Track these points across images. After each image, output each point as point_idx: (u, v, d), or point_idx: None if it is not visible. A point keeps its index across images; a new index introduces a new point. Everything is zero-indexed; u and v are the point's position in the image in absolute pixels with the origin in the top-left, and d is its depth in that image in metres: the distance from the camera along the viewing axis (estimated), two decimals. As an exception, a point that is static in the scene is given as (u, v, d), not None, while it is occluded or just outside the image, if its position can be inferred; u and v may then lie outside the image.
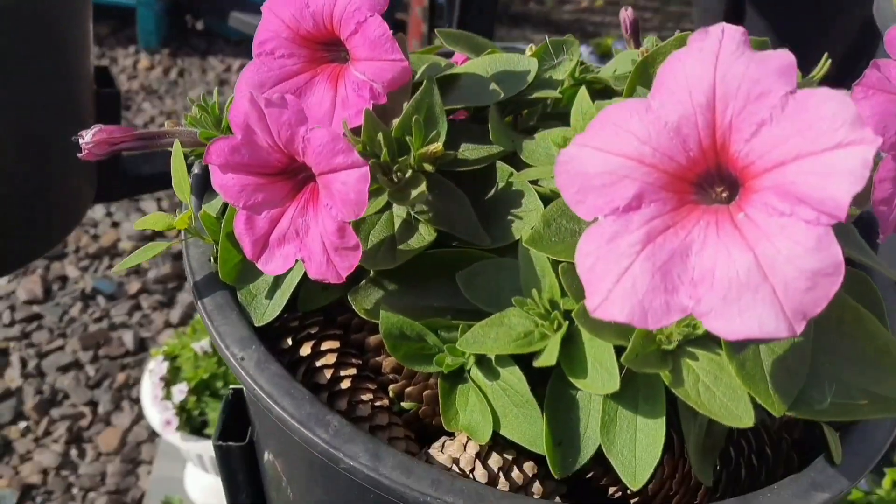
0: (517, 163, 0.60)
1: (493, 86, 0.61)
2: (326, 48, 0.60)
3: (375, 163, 0.54)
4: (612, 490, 0.56)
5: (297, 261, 0.52)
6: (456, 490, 0.48)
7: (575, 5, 3.59)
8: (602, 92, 0.64)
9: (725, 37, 0.40)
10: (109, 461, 1.70)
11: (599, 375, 0.49)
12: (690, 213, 0.41)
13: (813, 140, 0.36)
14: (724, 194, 0.42)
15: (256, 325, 0.56)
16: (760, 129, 0.38)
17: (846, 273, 0.49)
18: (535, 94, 0.62)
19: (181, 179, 0.56)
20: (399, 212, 0.59)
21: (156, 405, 1.47)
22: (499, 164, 0.59)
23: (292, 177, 0.51)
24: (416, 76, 0.65)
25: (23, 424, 1.74)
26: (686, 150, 0.41)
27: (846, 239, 0.48)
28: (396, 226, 0.58)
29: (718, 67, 0.39)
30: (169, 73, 2.80)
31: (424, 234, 0.57)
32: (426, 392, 0.58)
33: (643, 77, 0.55)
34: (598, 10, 3.58)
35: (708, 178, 0.42)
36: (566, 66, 0.66)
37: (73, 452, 1.71)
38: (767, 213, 0.38)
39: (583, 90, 0.56)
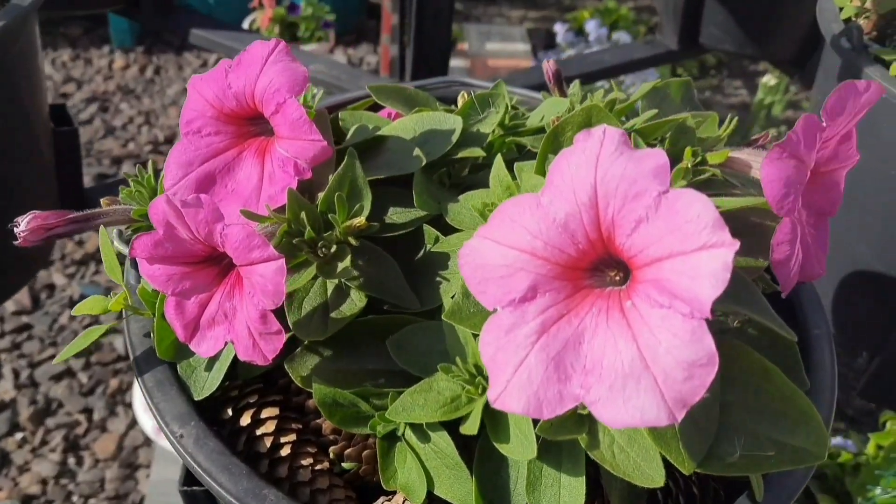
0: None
1: (416, 151, 0.62)
2: (253, 122, 0.62)
3: (300, 240, 0.56)
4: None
5: (226, 342, 0.54)
6: (388, 558, 0.51)
7: None
8: (525, 150, 0.66)
9: (606, 138, 0.42)
10: (107, 467, 1.72)
11: (519, 442, 0.51)
12: (585, 299, 0.44)
13: (682, 240, 0.38)
14: (617, 277, 0.44)
15: (196, 398, 0.59)
16: (639, 225, 0.40)
17: (758, 330, 0.51)
18: (460, 154, 0.64)
19: (111, 264, 0.58)
20: (333, 280, 0.61)
21: (147, 411, 1.48)
22: (425, 227, 0.61)
23: (217, 262, 0.53)
24: (348, 137, 0.68)
25: (19, 436, 1.76)
26: (575, 244, 0.43)
27: (749, 300, 0.51)
28: (329, 292, 0.60)
29: (599, 168, 0.41)
30: (145, 72, 2.78)
31: (356, 301, 0.59)
32: (365, 452, 0.60)
33: (554, 145, 0.56)
34: None
35: (602, 263, 0.44)
36: (493, 118, 0.68)
37: (71, 460, 1.73)
38: (650, 304, 0.40)
39: (498, 159, 0.58)
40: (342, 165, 0.58)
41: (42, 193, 1.20)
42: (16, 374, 1.89)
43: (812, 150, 0.50)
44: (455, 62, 2.87)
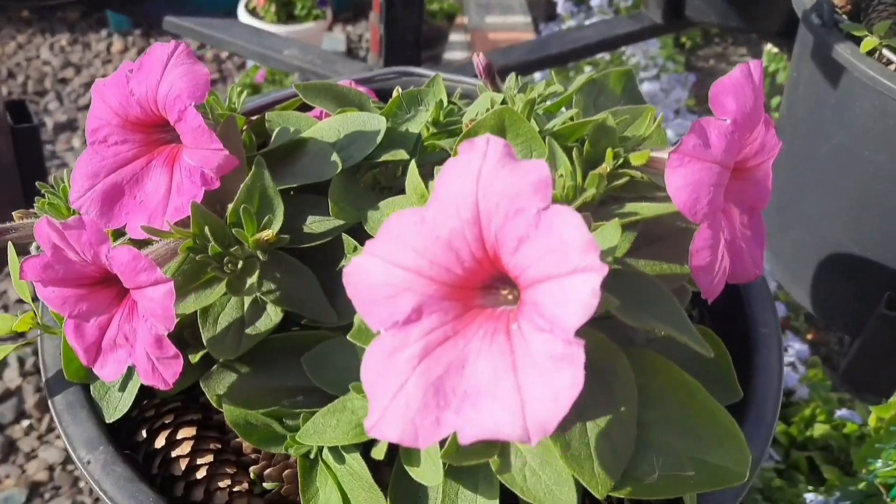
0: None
1: (334, 156, 0.60)
2: (163, 129, 0.59)
3: (204, 256, 0.54)
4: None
5: (128, 366, 0.52)
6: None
7: None
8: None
9: (489, 149, 0.39)
10: (113, 451, 1.72)
11: (429, 466, 0.49)
12: (474, 320, 0.41)
13: (556, 263, 0.36)
14: (510, 296, 0.42)
15: (108, 420, 0.57)
16: (521, 244, 0.38)
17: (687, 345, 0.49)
18: (383, 157, 0.61)
19: (20, 282, 0.56)
20: (251, 293, 0.58)
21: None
22: (344, 237, 0.58)
23: (114, 283, 0.51)
24: (271, 141, 0.65)
25: (25, 423, 1.75)
26: (461, 262, 0.40)
27: (665, 313, 0.48)
28: (246, 307, 0.58)
29: (480, 183, 0.38)
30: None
31: (272, 316, 0.57)
32: (287, 472, 0.58)
33: (467, 148, 0.53)
34: None
35: (496, 280, 0.42)
36: (421, 117, 0.65)
37: (78, 446, 1.73)
38: (533, 327, 0.38)
39: (412, 165, 0.55)
40: (250, 175, 0.56)
41: (2, 194, 1.18)
42: (21, 362, 1.88)
43: (726, 151, 0.47)
44: (455, 37, 2.83)
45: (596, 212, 0.51)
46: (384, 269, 0.42)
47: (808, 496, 1.27)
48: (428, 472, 0.49)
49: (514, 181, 0.38)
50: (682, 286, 0.54)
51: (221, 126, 0.58)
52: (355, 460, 0.53)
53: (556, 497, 0.47)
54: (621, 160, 0.52)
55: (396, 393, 0.40)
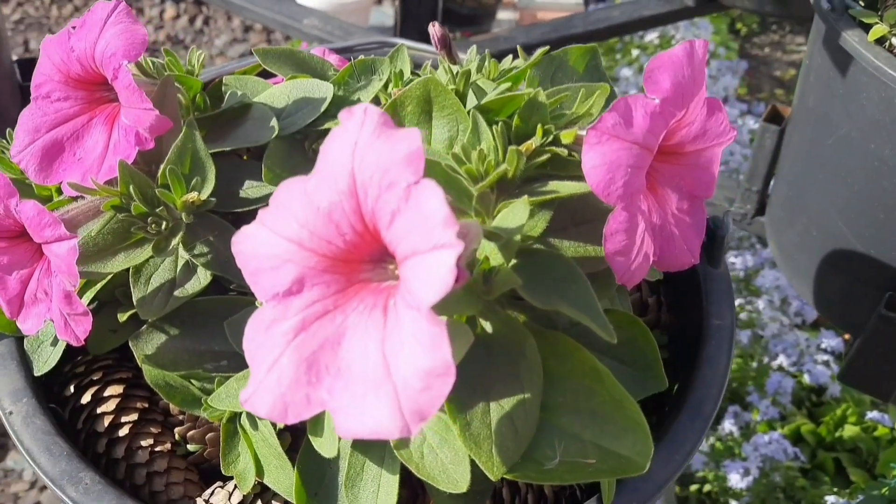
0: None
1: (273, 122, 0.59)
2: (105, 88, 0.59)
3: (128, 216, 0.54)
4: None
5: (46, 321, 0.52)
6: (194, 549, 0.49)
7: None
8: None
9: (366, 119, 0.38)
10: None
11: (328, 437, 0.49)
12: (357, 294, 0.40)
13: (421, 238, 0.35)
14: (396, 271, 0.41)
15: (36, 374, 0.57)
16: (394, 218, 0.37)
17: (614, 324, 0.47)
18: (326, 125, 0.61)
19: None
20: (183, 255, 0.58)
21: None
22: (276, 203, 0.58)
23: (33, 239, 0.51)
24: (224, 104, 0.65)
25: None
26: (342, 234, 0.39)
27: (575, 296, 0.46)
28: (178, 269, 0.58)
29: (356, 154, 0.37)
30: (195, 22, 2.76)
31: (201, 279, 0.57)
32: (209, 435, 0.58)
33: (396, 120, 0.53)
34: None
35: (383, 255, 0.41)
36: (374, 86, 0.64)
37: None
38: (406, 303, 0.37)
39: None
40: (180, 136, 0.56)
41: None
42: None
43: (650, 131, 0.45)
44: (503, 15, 2.79)
45: (520, 189, 0.50)
46: (270, 239, 0.41)
47: (830, 498, 1.25)
48: (326, 444, 0.49)
49: (387, 153, 0.37)
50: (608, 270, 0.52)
51: (158, 87, 0.57)
52: (266, 427, 0.53)
53: (451, 476, 0.46)
54: (551, 137, 0.51)
55: (271, 367, 0.39)
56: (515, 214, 0.45)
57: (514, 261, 0.48)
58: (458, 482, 0.46)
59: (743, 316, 1.67)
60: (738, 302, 1.64)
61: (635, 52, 2.50)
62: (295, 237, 0.40)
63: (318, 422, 0.50)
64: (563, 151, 0.50)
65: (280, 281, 0.40)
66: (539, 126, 0.51)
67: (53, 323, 0.52)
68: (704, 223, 0.55)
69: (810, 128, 0.96)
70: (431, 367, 0.35)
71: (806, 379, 1.50)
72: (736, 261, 1.77)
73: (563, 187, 0.48)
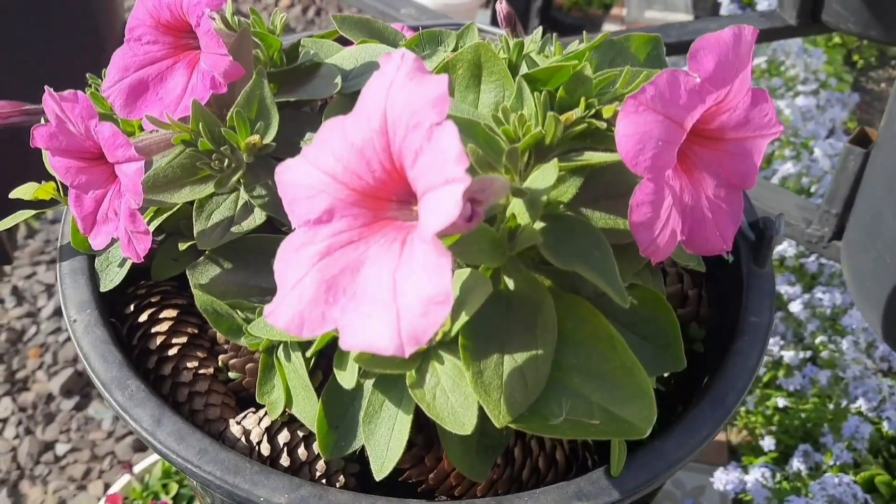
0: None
1: (337, 79, 0.63)
2: (190, 35, 0.64)
3: (195, 150, 0.58)
4: (406, 474, 0.59)
5: (113, 238, 0.57)
6: (218, 460, 0.53)
7: None
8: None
9: (403, 62, 0.40)
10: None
11: (349, 371, 0.52)
12: (381, 229, 0.43)
13: (435, 174, 0.37)
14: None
15: (102, 290, 0.63)
16: (417, 157, 0.39)
17: (638, 300, 0.49)
18: (388, 87, 0.64)
19: (48, 157, 0.62)
20: (243, 195, 0.63)
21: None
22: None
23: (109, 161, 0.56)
24: (298, 62, 0.69)
25: None
26: (371, 171, 0.42)
27: (595, 260, 0.48)
28: (238, 208, 0.62)
29: (389, 94, 0.40)
30: (307, 12, 2.88)
31: (256, 218, 0.61)
32: (249, 365, 0.62)
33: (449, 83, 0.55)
34: None
35: (410, 196, 0.43)
36: (439, 56, 0.67)
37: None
38: (420, 237, 0.39)
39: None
40: (250, 83, 0.60)
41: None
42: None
43: (684, 108, 0.47)
44: (609, 27, 2.79)
45: (556, 157, 0.52)
46: (308, 171, 0.44)
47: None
48: (347, 376, 0.52)
49: (416, 94, 0.39)
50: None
51: (235, 38, 0.62)
52: (297, 360, 0.56)
53: (459, 419, 0.49)
54: (593, 111, 0.53)
55: (295, 285, 0.43)
56: (545, 176, 0.47)
57: (541, 224, 0.50)
58: (465, 425, 0.48)
59: (824, 355, 1.62)
60: (821, 339, 1.60)
61: None
62: (330, 170, 0.43)
63: (342, 356, 0.54)
64: (602, 125, 0.52)
65: (313, 209, 0.44)
66: (583, 99, 0.52)
67: (119, 240, 0.57)
68: (741, 213, 0.55)
69: (893, 153, 0.94)
70: (432, 295, 0.38)
71: (885, 427, 1.45)
72: (824, 297, 1.73)
73: (596, 157, 0.50)
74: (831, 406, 1.51)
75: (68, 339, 1.88)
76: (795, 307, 1.66)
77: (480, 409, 0.49)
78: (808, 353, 1.62)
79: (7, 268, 2.10)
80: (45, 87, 0.53)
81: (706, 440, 0.57)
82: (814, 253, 1.84)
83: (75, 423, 1.74)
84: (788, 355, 1.59)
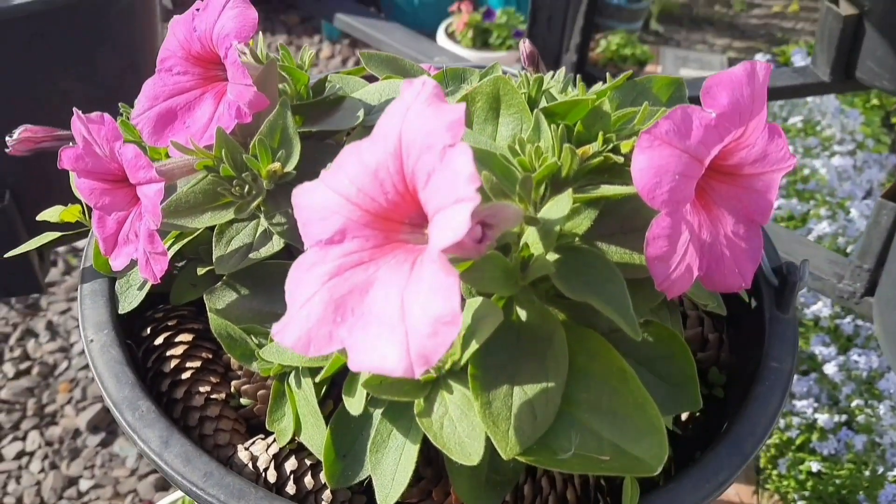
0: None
1: (360, 112, 0.64)
2: (219, 67, 0.66)
3: (216, 176, 0.59)
4: (412, 509, 0.58)
5: (132, 260, 0.58)
6: (223, 484, 0.53)
7: (765, 9, 3.40)
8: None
9: (423, 89, 0.41)
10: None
11: (357, 397, 0.51)
12: (392, 252, 0.43)
13: (447, 193, 0.37)
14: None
15: (120, 311, 0.63)
16: (430, 178, 0.40)
17: (654, 337, 0.49)
18: (410, 121, 0.64)
19: (73, 177, 0.64)
20: (263, 223, 0.63)
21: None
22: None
23: (133, 185, 0.57)
24: (323, 95, 0.70)
25: None
26: (384, 193, 0.43)
27: (608, 292, 0.48)
28: (257, 235, 0.63)
29: (406, 118, 0.41)
30: (347, 63, 2.96)
31: (274, 245, 0.62)
32: (261, 392, 0.62)
33: (467, 115, 0.56)
34: (789, 16, 3.37)
35: (420, 219, 0.44)
36: (461, 92, 0.68)
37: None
38: (429, 258, 0.39)
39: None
40: (273, 112, 0.61)
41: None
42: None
43: (702, 142, 0.47)
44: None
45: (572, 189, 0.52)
46: (323, 193, 0.45)
47: None
48: (355, 403, 0.51)
49: (432, 118, 0.40)
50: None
51: (261, 70, 0.63)
52: (308, 386, 0.56)
53: (465, 449, 0.48)
54: (611, 146, 0.53)
55: (304, 304, 0.43)
56: (559, 206, 0.47)
57: (555, 256, 0.50)
58: (472, 455, 0.48)
59: (860, 419, 1.58)
60: (857, 403, 1.56)
61: None
62: (344, 192, 0.44)
63: (352, 383, 0.53)
64: (620, 159, 0.52)
65: (326, 230, 0.44)
66: (601, 133, 0.53)
67: (137, 262, 0.57)
68: (760, 251, 0.55)
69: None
70: (441, 314, 0.37)
71: (923, 497, 1.40)
72: (860, 360, 1.69)
73: (611, 189, 0.50)
74: (867, 473, 1.47)
75: None
76: (830, 369, 1.63)
77: (489, 441, 0.48)
78: (844, 417, 1.58)
79: (43, 302, 2.14)
80: (74, 108, 0.55)
81: (723, 486, 0.56)
82: (849, 314, 1.81)
83: (100, 459, 1.74)
84: (823, 418, 1.55)
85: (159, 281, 0.56)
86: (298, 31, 3.08)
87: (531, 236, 0.49)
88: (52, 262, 2.25)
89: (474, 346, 0.48)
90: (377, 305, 0.40)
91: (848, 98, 2.67)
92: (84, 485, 1.68)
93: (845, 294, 1.35)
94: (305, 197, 0.46)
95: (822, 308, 1.81)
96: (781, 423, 1.58)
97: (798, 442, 1.55)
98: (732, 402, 0.66)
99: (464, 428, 0.49)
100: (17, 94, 1.09)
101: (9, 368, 1.94)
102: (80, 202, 0.66)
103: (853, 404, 1.59)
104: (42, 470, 1.72)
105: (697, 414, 0.66)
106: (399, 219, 0.44)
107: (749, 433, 0.59)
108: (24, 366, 1.95)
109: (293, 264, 0.45)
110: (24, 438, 1.78)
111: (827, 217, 2.04)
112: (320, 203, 0.45)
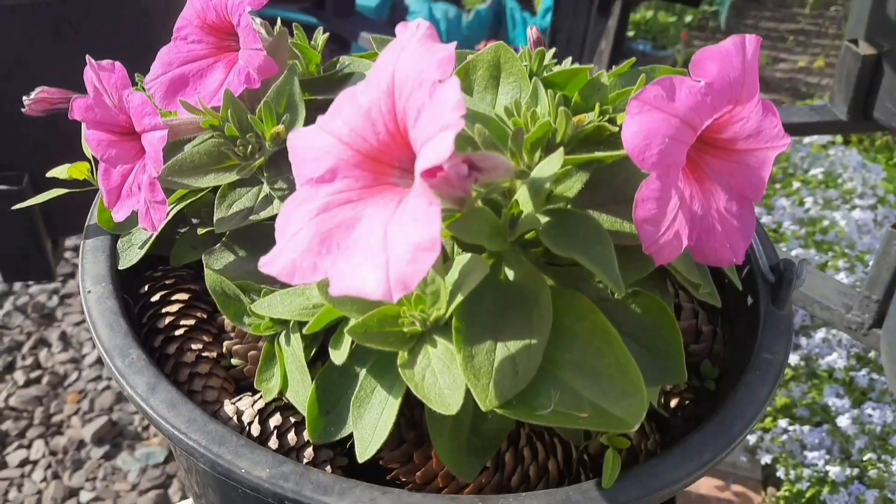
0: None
1: (366, 83, 0.65)
2: (233, 38, 0.68)
3: (220, 135, 0.60)
4: (394, 473, 0.58)
5: (133, 211, 0.59)
6: (206, 430, 0.53)
7: (791, 64, 3.43)
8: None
9: (417, 31, 0.42)
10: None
11: (343, 349, 0.52)
12: (381, 193, 0.44)
13: (434, 123, 0.38)
14: (421, 180, 0.44)
15: (120, 267, 0.64)
16: (419, 114, 0.41)
17: (641, 308, 0.49)
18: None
19: (84, 137, 0.65)
20: (265, 189, 0.64)
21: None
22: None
23: (138, 138, 0.59)
24: (339, 71, 0.72)
25: None
26: (376, 133, 0.44)
27: (594, 251, 0.48)
28: (258, 199, 0.64)
29: (400, 58, 0.42)
30: None
31: (274, 208, 0.63)
32: (251, 352, 0.63)
33: (465, 81, 0.57)
34: (815, 71, 3.39)
35: (410, 163, 0.44)
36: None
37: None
38: (415, 192, 0.40)
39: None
40: (281, 78, 0.62)
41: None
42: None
43: (691, 108, 0.47)
44: None
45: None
46: (317, 136, 0.46)
47: None
48: (339, 354, 0.52)
49: (424, 56, 0.41)
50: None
51: (273, 39, 0.65)
52: (297, 341, 0.57)
53: (445, 399, 0.48)
54: (607, 117, 0.53)
55: (292, 237, 0.43)
56: (550, 163, 0.48)
57: (546, 219, 0.50)
58: (451, 405, 0.48)
59: (872, 473, 1.56)
60: (869, 457, 1.54)
61: (796, 185, 2.45)
62: (336, 132, 0.45)
63: (339, 337, 0.54)
64: (615, 129, 0.52)
65: (317, 169, 0.45)
66: (597, 105, 0.54)
67: (138, 213, 0.59)
68: (752, 229, 0.55)
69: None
70: (420, 241, 0.38)
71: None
72: (874, 413, 1.67)
73: (603, 153, 0.50)
74: (877, 530, 1.45)
75: (107, 387, 1.91)
76: (843, 421, 1.61)
77: (472, 402, 0.48)
78: (856, 471, 1.55)
79: (59, 313, 2.16)
80: (87, 56, 0.57)
81: (706, 465, 0.55)
82: (865, 366, 1.79)
83: (102, 471, 1.75)
84: (834, 471, 1.53)
85: (156, 230, 0.57)
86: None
87: (522, 195, 0.49)
88: (70, 274, 2.29)
89: (459, 298, 0.48)
90: (362, 238, 0.41)
91: (871, 153, 2.68)
92: (85, 496, 1.68)
93: (853, 325, 1.34)
94: (300, 139, 0.47)
95: (836, 359, 1.79)
96: (792, 474, 1.56)
97: (809, 494, 1.53)
98: (723, 393, 0.66)
99: (445, 380, 0.49)
100: (46, 81, 1.13)
101: (20, 376, 1.96)
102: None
103: (866, 458, 1.57)
104: (44, 479, 1.72)
105: (687, 402, 0.66)
106: (389, 161, 0.45)
107: (737, 416, 0.58)
108: (34, 374, 1.97)
109: (286, 201, 0.46)
110: (28, 447, 1.79)
111: (845, 269, 2.03)
112: (314, 144, 0.46)
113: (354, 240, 0.42)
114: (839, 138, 2.71)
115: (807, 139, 2.64)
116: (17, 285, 2.20)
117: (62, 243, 1.33)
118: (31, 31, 1.07)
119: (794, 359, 1.81)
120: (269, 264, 0.43)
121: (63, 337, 2.07)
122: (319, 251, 0.42)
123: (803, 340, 1.88)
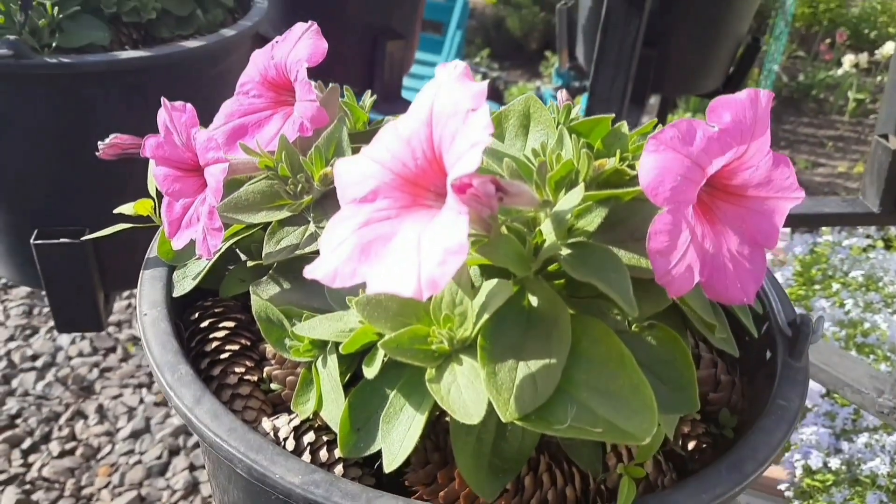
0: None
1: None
2: (290, 94, 0.75)
3: (273, 174, 0.67)
4: (418, 494, 0.60)
5: (191, 240, 0.65)
6: (245, 439, 0.57)
7: (830, 168, 3.48)
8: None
9: (455, 70, 0.48)
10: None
11: (376, 365, 0.56)
12: (417, 211, 0.49)
13: (466, 143, 0.44)
14: (454, 203, 0.49)
15: (174, 295, 0.70)
16: (454, 139, 0.46)
17: (657, 341, 0.53)
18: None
19: (151, 174, 0.72)
20: (311, 228, 0.70)
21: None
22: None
23: (201, 174, 0.65)
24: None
25: None
26: (414, 159, 0.49)
27: (611, 278, 0.52)
28: (304, 237, 0.70)
29: (438, 93, 0.48)
30: None
31: (318, 245, 0.68)
32: (289, 378, 0.67)
33: (498, 130, 0.62)
34: (854, 176, 3.43)
35: (444, 188, 0.49)
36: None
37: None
38: (447, 206, 0.45)
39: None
40: (332, 126, 0.69)
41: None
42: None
43: (704, 151, 0.52)
44: None
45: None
46: (361, 162, 0.51)
47: None
48: (371, 370, 0.56)
49: (460, 91, 0.46)
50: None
51: (325, 94, 0.72)
52: (332, 362, 0.61)
53: (468, 411, 0.51)
54: (627, 163, 0.58)
55: (335, 248, 0.48)
56: (572, 197, 0.53)
57: (567, 250, 0.55)
58: (473, 416, 0.51)
59: None
60: None
61: (835, 286, 2.46)
62: (379, 158, 0.50)
63: (372, 356, 0.58)
64: (633, 173, 0.57)
65: (360, 191, 0.50)
66: (618, 151, 0.59)
67: (196, 242, 0.64)
68: (763, 273, 0.58)
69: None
70: (449, 246, 0.43)
71: None
72: None
73: (620, 190, 0.55)
74: None
75: (138, 461, 1.95)
76: None
77: (492, 417, 0.51)
78: None
79: (97, 386, 2.23)
80: (161, 98, 0.64)
81: (718, 498, 0.57)
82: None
83: (129, 546, 1.76)
84: None
85: (211, 257, 0.63)
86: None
87: (545, 226, 0.54)
88: (112, 348, 2.36)
89: (485, 318, 0.52)
90: (397, 246, 0.46)
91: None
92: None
93: (885, 409, 1.33)
94: (345, 167, 0.52)
95: (879, 465, 1.76)
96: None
97: None
98: (740, 438, 0.68)
99: (469, 395, 0.52)
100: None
101: (55, 447, 2.00)
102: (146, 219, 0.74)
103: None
104: (68, 554, 1.74)
105: (704, 446, 0.68)
106: (425, 185, 0.50)
107: (750, 456, 0.60)
108: (69, 446, 2.01)
109: (330, 219, 0.51)
110: (57, 519, 1.82)
111: (887, 371, 2.01)
112: (358, 170, 0.51)
113: (391, 249, 0.46)
114: (880, 242, 2.72)
115: (846, 241, 2.65)
116: (60, 356, 2.28)
117: (113, 299, 1.40)
118: (108, 97, 1.16)
119: (835, 463, 1.77)
120: (313, 270, 0.48)
121: (100, 409, 2.12)
122: (360, 259, 0.47)
123: (845, 445, 1.85)
